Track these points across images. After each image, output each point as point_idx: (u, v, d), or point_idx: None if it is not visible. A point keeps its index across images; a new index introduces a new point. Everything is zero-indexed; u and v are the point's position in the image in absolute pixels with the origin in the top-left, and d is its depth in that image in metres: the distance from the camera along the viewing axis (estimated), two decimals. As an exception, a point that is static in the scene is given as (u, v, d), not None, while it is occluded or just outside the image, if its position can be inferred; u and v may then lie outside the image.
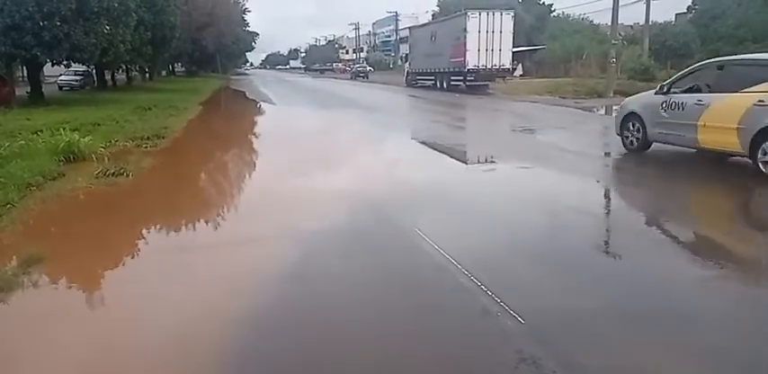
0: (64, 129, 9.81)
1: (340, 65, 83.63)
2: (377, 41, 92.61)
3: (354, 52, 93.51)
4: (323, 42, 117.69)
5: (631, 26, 39.95)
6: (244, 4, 61.56)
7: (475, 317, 3.24)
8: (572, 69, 35.96)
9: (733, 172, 7.32)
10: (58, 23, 17.06)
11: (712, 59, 8.35)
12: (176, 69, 56.65)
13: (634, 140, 8.57)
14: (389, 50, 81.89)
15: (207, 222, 5.60)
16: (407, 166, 8.72)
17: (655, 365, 2.71)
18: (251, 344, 3.00)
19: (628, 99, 9.31)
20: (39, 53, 17.45)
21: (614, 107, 19.17)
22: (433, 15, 55.33)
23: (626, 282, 3.83)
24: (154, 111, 16.85)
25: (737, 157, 7.12)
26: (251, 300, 3.54)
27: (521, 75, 36.70)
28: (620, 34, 37.33)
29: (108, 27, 19.11)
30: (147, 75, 40.42)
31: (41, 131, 10.03)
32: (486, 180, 7.62)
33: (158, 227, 5.53)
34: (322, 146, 10.80)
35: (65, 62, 20.02)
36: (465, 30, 25.71)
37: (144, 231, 5.31)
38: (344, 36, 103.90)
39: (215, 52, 53.68)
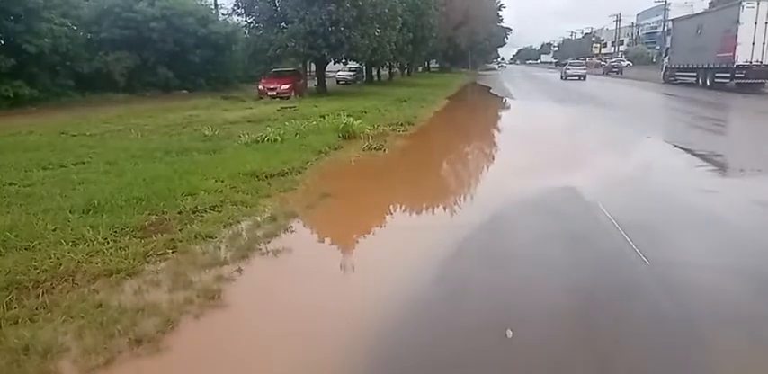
0: (341, 114, 12.64)
1: (594, 59, 79.62)
2: (640, 33, 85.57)
3: (613, 45, 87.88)
4: (579, 36, 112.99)
5: None
6: (499, 1, 63.30)
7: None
8: None
9: None
10: (342, 29, 20.85)
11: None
12: (431, 65, 61.19)
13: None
14: (654, 43, 75.02)
15: (440, 196, 7.25)
16: (640, 168, 8.71)
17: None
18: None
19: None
20: (326, 53, 21.62)
21: None
22: (710, 4, 49.34)
23: None
24: (408, 102, 19.52)
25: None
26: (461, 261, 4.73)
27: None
28: None
29: (378, 30, 22.51)
30: (406, 71, 44.99)
31: (326, 116, 13.03)
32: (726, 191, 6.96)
33: (399, 188, 7.45)
34: (552, 142, 11.30)
35: (343, 60, 24.25)
36: (737, 21, 23.10)
37: (389, 189, 7.27)
38: (603, 28, 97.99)
39: (467, 49, 56.53)
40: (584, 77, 39.39)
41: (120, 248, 4.40)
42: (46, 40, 18.38)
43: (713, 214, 5.74)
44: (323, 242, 5.30)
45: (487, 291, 3.88)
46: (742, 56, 23.27)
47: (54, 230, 4.73)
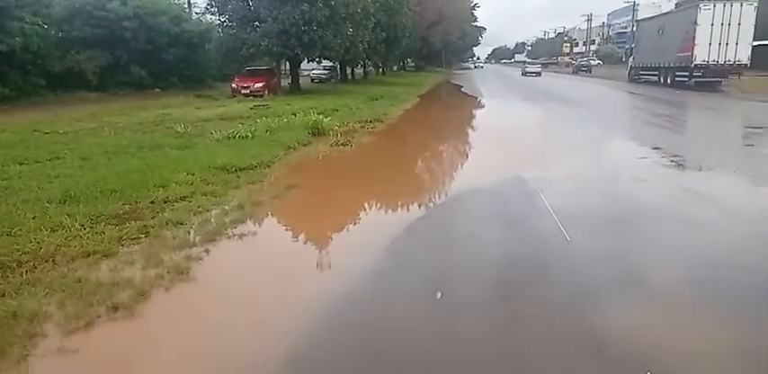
0: (313, 112, 13.03)
1: (565, 58, 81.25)
2: (611, 33, 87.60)
3: (584, 45, 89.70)
4: (552, 35, 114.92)
5: None
6: (473, 1, 64.17)
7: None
8: None
9: None
10: (315, 28, 21.19)
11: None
12: (407, 64, 61.75)
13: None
14: (624, 42, 76.90)
15: (398, 185, 7.79)
16: (585, 159, 9.36)
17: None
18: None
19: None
20: (299, 52, 21.92)
21: None
22: (676, 4, 50.95)
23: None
24: (380, 101, 20.02)
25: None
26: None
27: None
28: None
29: (351, 29, 22.92)
30: (381, 70, 45.45)
31: (297, 113, 13.42)
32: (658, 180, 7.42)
33: (361, 179, 7.97)
34: (510, 136, 12.00)
35: (317, 59, 24.57)
36: (695, 22, 24.14)
37: (351, 180, 7.79)
38: (576, 28, 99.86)
39: (441, 48, 57.27)
40: (540, 74, 48.24)
41: (96, 233, 4.79)
42: (17, 38, 18.35)
43: (637, 199, 6.33)
44: (286, 226, 5.76)
45: (427, 262, 4.40)
46: (700, 55, 24.31)
47: (33, 218, 5.09)
